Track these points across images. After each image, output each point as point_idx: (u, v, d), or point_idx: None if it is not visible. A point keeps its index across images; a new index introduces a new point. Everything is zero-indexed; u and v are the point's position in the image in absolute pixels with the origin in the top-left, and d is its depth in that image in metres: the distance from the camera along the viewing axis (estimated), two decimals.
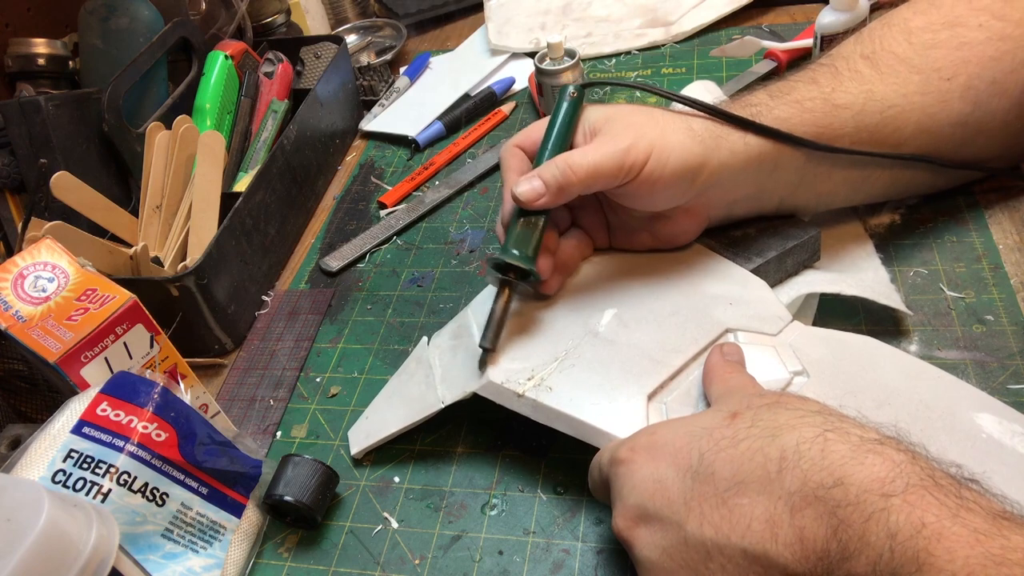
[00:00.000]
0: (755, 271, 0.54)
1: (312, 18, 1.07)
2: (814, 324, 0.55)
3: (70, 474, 0.43)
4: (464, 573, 0.48)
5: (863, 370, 0.48)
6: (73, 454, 0.44)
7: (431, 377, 0.55)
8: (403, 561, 0.50)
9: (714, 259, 0.55)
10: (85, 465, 0.44)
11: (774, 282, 0.55)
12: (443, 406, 0.52)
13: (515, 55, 0.96)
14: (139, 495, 0.45)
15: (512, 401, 0.49)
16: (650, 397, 0.47)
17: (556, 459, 0.53)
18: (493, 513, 0.51)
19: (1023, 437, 0.42)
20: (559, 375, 0.49)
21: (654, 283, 0.54)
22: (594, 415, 0.47)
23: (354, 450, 0.56)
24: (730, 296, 0.52)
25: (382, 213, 0.79)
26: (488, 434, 0.55)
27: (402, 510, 0.52)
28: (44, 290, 0.50)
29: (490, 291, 0.58)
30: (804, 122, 0.51)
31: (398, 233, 0.76)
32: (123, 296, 0.50)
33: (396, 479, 0.54)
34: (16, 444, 0.50)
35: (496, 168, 0.80)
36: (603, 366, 0.49)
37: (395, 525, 0.52)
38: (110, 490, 0.44)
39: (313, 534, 0.52)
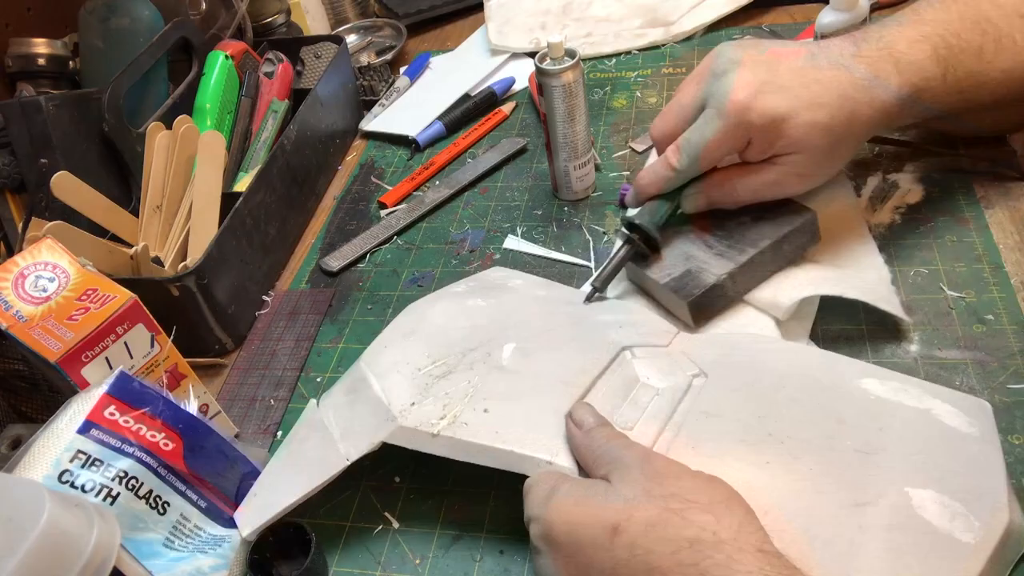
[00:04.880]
0: (750, 261, 0.54)
1: (312, 18, 1.07)
2: (815, 322, 0.55)
3: (77, 475, 0.43)
4: (465, 573, 0.48)
5: (754, 362, 0.50)
6: (80, 455, 0.44)
7: (328, 437, 0.52)
8: (404, 561, 0.50)
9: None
10: (94, 467, 0.43)
11: (776, 269, 0.56)
12: (348, 463, 0.49)
13: (515, 55, 0.96)
14: (143, 501, 0.45)
15: (427, 443, 0.47)
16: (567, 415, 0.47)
17: None
18: (494, 513, 0.51)
19: (904, 391, 0.46)
20: (471, 411, 0.48)
21: (546, 317, 0.56)
22: (515, 441, 0.46)
23: (244, 532, 0.49)
24: (618, 321, 0.55)
25: (382, 213, 0.79)
26: None
27: (403, 510, 0.52)
28: (45, 290, 0.50)
29: (383, 342, 0.56)
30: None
31: (398, 233, 0.76)
32: (124, 296, 0.50)
33: (397, 479, 0.54)
34: (17, 444, 0.50)
35: (496, 168, 0.80)
36: (515, 395, 0.49)
37: (396, 525, 0.52)
38: (119, 493, 0.43)
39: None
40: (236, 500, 0.50)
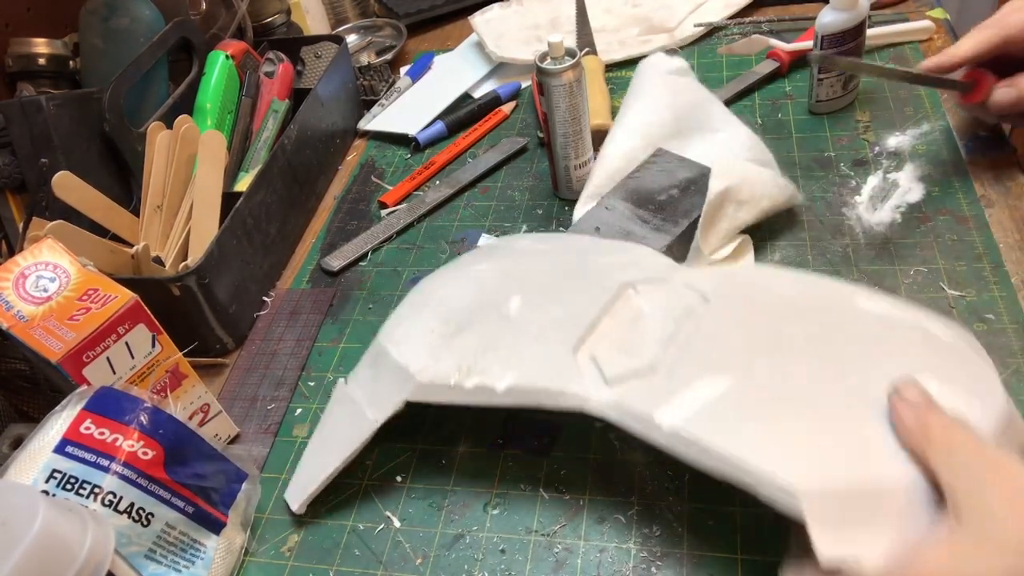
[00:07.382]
0: (685, 231, 0.59)
1: (312, 18, 1.07)
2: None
3: (53, 495, 0.42)
4: (466, 572, 0.48)
5: (755, 289, 0.52)
6: (56, 474, 0.43)
7: (356, 409, 0.54)
8: (405, 560, 0.50)
9: (596, 240, 0.60)
10: (69, 486, 0.43)
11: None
12: (377, 425, 0.51)
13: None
14: (124, 516, 0.44)
15: (447, 393, 0.49)
16: (576, 351, 0.49)
17: (558, 458, 0.53)
18: (495, 512, 0.51)
19: (887, 304, 0.48)
20: (485, 359, 0.50)
21: (550, 268, 0.57)
22: (532, 376, 0.48)
23: (295, 506, 0.53)
24: (621, 262, 0.55)
25: (383, 213, 0.79)
26: (490, 433, 0.56)
27: (404, 509, 0.52)
28: (46, 290, 0.50)
29: (398, 315, 0.58)
30: None
31: (399, 233, 0.76)
32: (124, 296, 0.50)
33: (399, 478, 0.54)
34: (18, 444, 0.50)
35: (496, 167, 0.80)
36: (525, 340, 0.51)
37: (397, 524, 0.52)
38: (95, 512, 0.42)
39: (315, 534, 0.52)
40: (224, 503, 0.50)
